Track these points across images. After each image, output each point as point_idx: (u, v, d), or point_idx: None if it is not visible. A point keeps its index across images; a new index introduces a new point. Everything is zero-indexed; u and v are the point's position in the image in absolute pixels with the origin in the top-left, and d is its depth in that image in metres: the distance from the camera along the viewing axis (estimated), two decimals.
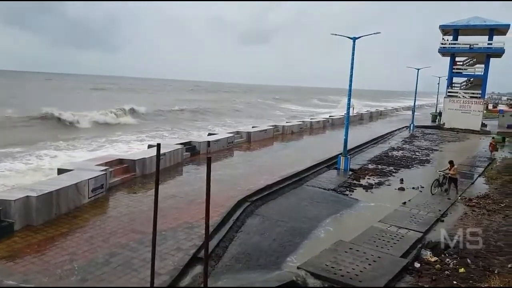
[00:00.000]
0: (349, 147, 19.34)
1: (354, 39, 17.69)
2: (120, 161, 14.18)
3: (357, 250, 9.11)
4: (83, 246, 8.32)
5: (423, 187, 15.88)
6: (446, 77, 42.40)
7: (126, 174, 13.68)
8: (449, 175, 15.36)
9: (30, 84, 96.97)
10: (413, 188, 15.99)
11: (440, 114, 44.76)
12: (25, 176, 16.14)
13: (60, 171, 12.09)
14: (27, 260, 7.59)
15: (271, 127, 27.58)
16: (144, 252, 8.08)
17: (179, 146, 17.29)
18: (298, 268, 8.23)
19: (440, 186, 15.37)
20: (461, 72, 42.26)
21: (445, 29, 40.60)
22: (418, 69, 37.60)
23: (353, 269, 8.19)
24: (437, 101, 60.23)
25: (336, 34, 18.89)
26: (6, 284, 6.73)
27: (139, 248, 8.34)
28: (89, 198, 11.08)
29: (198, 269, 7.92)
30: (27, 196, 9.16)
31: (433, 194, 14.82)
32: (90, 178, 11.13)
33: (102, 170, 11.93)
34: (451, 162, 15.63)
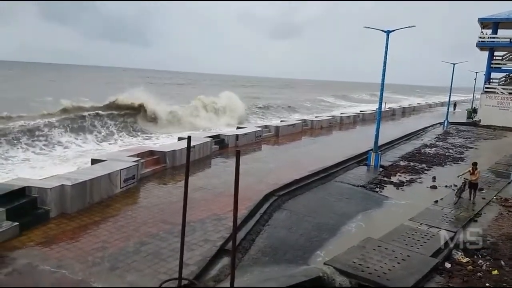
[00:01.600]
0: (380, 143, 18.96)
1: (388, 32, 17.27)
2: (151, 153, 14.48)
3: (386, 248, 8.96)
4: (115, 235, 8.57)
5: (456, 186, 15.39)
6: (484, 72, 40.81)
7: (156, 166, 13.96)
8: (470, 180, 13.25)
9: (92, 77, 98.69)
10: (446, 186, 15.55)
11: (475, 110, 43.20)
12: None
13: (94, 161, 12.47)
14: (61, 247, 7.89)
15: (299, 121, 27.43)
16: (173, 242, 8.24)
17: (208, 139, 17.46)
18: (325, 264, 8.17)
19: (460, 193, 13.37)
20: (500, 67, 40.48)
21: (484, 22, 38.99)
22: (454, 64, 36.33)
23: (381, 267, 8.07)
24: (473, 97, 58.10)
25: (369, 27, 18.51)
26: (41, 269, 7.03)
27: (168, 238, 8.52)
28: (121, 188, 11.38)
29: (225, 260, 8.02)
30: (62, 184, 9.49)
31: (455, 204, 12.92)
32: (122, 169, 11.41)
33: (133, 161, 12.22)
34: (474, 164, 13.44)
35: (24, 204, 8.80)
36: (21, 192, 9.06)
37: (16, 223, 8.24)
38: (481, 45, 39.23)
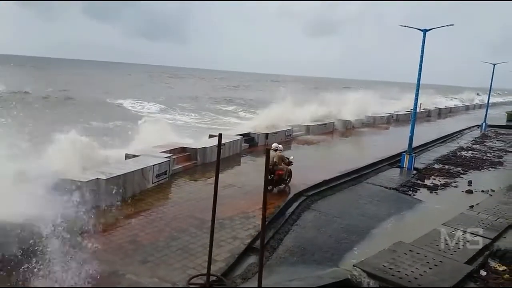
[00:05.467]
0: (414, 145, 18.50)
1: (425, 31, 16.80)
2: (183, 149, 14.71)
3: (418, 253, 8.73)
4: (146, 228, 8.77)
5: (493, 191, 14.84)
6: None
7: (187, 162, 14.18)
8: None
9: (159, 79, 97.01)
10: (483, 191, 15.00)
11: None
12: None
13: (127, 156, 12.79)
14: (95, 238, 8.13)
15: (331, 121, 27.12)
16: (202, 238, 8.34)
17: (238, 137, 17.57)
18: (353, 266, 8.05)
19: None
20: None
21: None
22: (494, 64, 34.91)
23: (412, 272, 7.87)
24: None
25: (405, 26, 18.07)
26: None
27: (197, 234, 8.64)
28: (153, 183, 11.62)
29: (253, 258, 8.05)
30: (97, 178, 9.79)
31: None
32: (155, 164, 11.66)
33: (166, 157, 12.45)
34: None
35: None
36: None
37: None
38: None
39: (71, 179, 9.59)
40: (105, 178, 9.84)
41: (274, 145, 12.62)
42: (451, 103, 63.22)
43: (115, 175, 10.16)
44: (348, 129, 27.69)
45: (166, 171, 12.23)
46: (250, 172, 13.99)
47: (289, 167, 12.49)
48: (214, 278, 6.85)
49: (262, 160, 14.09)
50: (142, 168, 11.15)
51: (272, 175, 11.84)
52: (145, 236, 8.41)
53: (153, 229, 8.78)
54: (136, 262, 7.31)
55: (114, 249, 7.74)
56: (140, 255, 7.57)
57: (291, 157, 12.76)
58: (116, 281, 6.67)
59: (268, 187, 11.25)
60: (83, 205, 8.10)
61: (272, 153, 11.76)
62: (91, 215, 9.06)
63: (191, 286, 6.58)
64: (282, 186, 12.35)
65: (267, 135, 19.69)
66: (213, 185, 6.55)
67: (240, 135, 18.37)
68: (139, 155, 12.56)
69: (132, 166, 11.19)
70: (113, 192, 9.93)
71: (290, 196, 11.63)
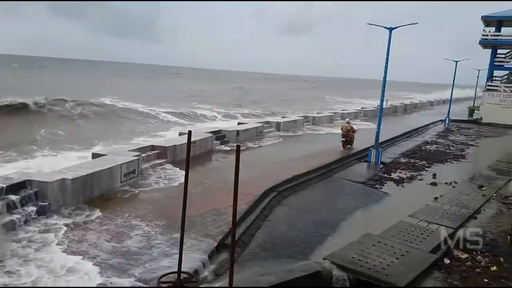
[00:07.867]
0: (381, 139, 18.95)
1: (391, 29, 17.20)
2: (152, 148, 14.51)
3: (385, 244, 8.97)
4: (115, 228, 8.61)
5: (456, 183, 15.41)
6: (487, 70, 40.67)
7: (157, 160, 13.99)
8: None
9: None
10: (446, 183, 15.53)
11: (477, 108, 43.08)
12: None
13: (94, 155, 12.50)
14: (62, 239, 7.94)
15: (301, 117, 27.40)
16: (173, 237, 8.27)
17: (209, 135, 17.49)
18: (324, 259, 8.18)
19: None
20: (503, 65, 40.30)
21: (487, 20, 38.76)
22: (457, 62, 36.22)
23: (380, 262, 8.08)
24: (475, 95, 57.93)
25: (372, 24, 18.45)
26: None
27: (168, 232, 8.55)
28: (121, 182, 11.41)
29: (225, 255, 8.06)
30: (63, 178, 9.52)
31: None
32: (123, 163, 11.44)
33: (134, 156, 12.24)
34: None
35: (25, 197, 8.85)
36: (22, 185, 9.10)
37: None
38: (484, 43, 38.97)
39: (36, 179, 9.32)
40: (71, 178, 9.59)
41: (347, 119, 20.62)
42: (417, 98, 65.20)
43: (81, 174, 9.91)
44: (318, 125, 28.03)
45: (135, 169, 12.02)
46: (221, 170, 13.97)
47: (354, 134, 19.35)
48: (186, 275, 6.81)
49: (233, 157, 14.11)
50: (110, 167, 10.92)
51: (346, 138, 18.99)
52: (115, 236, 8.26)
53: (122, 229, 8.63)
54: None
55: (84, 252, 7.57)
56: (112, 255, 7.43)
57: (356, 127, 20.22)
58: None
59: (343, 146, 19.02)
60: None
61: (346, 124, 19.40)
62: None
63: (162, 285, 6.51)
64: (350, 146, 19.20)
65: (238, 132, 19.69)
66: (183, 183, 6.50)
67: (211, 132, 18.29)
68: (106, 154, 12.30)
69: (99, 165, 10.94)
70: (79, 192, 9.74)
71: (261, 192, 11.63)
